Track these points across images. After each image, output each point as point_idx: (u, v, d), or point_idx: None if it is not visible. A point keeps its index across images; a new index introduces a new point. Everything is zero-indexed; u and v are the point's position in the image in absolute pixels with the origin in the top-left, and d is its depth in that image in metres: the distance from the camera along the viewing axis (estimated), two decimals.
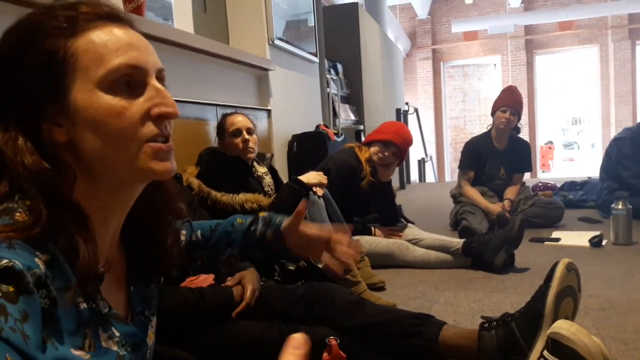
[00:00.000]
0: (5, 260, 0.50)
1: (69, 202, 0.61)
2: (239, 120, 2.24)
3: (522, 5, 11.66)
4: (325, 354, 1.14)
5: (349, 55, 5.65)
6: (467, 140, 3.82)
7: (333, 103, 4.98)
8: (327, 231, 1.04)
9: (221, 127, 2.27)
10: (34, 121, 0.62)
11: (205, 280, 1.60)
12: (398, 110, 7.03)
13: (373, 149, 2.74)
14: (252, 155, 2.29)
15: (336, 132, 4.37)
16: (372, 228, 2.79)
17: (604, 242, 2.88)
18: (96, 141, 0.62)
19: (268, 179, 2.41)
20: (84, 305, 0.61)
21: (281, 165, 3.60)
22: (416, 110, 8.65)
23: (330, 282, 1.71)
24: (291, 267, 1.92)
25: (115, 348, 0.66)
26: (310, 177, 2.26)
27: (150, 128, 0.65)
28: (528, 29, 11.85)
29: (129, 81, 0.64)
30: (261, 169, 2.41)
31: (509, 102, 3.50)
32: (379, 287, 2.27)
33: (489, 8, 12.15)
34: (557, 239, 3.05)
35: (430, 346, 1.36)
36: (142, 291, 0.78)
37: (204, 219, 1.93)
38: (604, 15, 11.02)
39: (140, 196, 0.73)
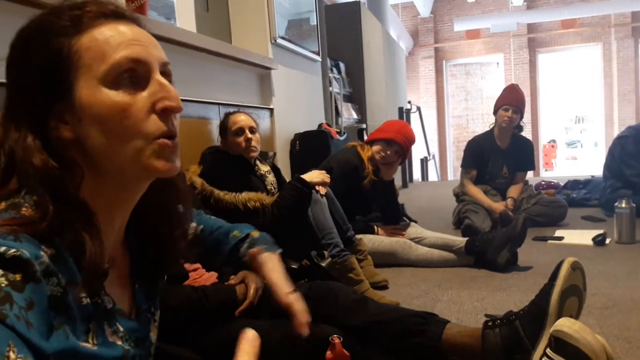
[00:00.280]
0: (12, 250, 0.51)
1: (75, 199, 0.61)
2: (242, 119, 2.24)
3: (525, 3, 11.63)
4: (328, 352, 1.14)
5: (351, 53, 5.65)
6: (470, 138, 3.81)
7: (335, 102, 4.97)
8: (284, 296, 1.13)
9: (224, 126, 2.27)
10: (42, 119, 0.62)
11: (208, 278, 1.60)
12: (400, 109, 7.03)
13: (375, 148, 2.74)
14: (255, 154, 2.29)
15: (338, 130, 4.37)
16: (375, 227, 2.79)
17: (607, 241, 2.87)
18: (101, 137, 0.63)
19: (271, 178, 2.41)
20: (87, 301, 0.62)
21: (284, 164, 3.60)
22: (418, 108, 8.65)
23: (334, 280, 1.71)
24: (294, 266, 1.92)
25: (120, 343, 0.67)
26: (313, 175, 2.26)
27: (157, 124, 0.65)
28: (531, 27, 11.82)
29: (133, 76, 0.64)
30: (264, 168, 2.41)
31: (511, 101, 3.50)
32: (382, 286, 2.27)
33: (492, 6, 12.12)
34: (560, 238, 3.04)
35: (433, 345, 1.35)
36: (146, 289, 0.78)
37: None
38: (607, 13, 10.99)
39: (148, 193, 0.73)
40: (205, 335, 1.37)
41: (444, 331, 1.37)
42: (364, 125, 5.54)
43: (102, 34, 0.63)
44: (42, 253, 0.55)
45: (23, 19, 0.65)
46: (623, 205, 2.85)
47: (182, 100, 0.68)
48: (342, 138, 4.07)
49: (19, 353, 0.47)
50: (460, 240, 2.61)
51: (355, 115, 5.64)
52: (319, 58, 4.42)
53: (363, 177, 2.67)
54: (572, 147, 13.25)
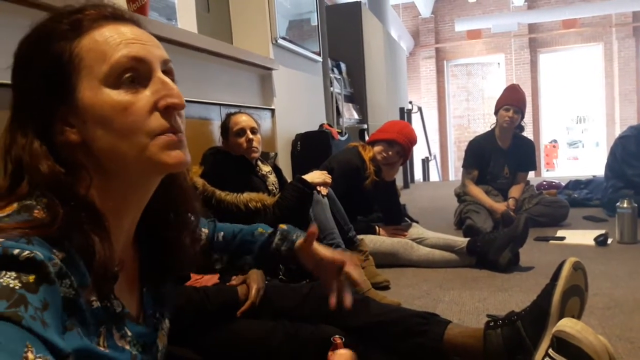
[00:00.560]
0: (26, 252, 0.51)
1: (84, 202, 0.62)
2: (243, 120, 2.24)
3: (526, 3, 11.63)
4: (330, 353, 1.14)
5: (352, 54, 5.65)
6: (471, 139, 3.81)
7: (336, 102, 4.98)
8: (340, 258, 1.05)
9: (225, 127, 2.27)
10: (47, 124, 0.63)
11: (210, 279, 1.60)
12: (402, 109, 7.03)
13: (377, 148, 2.74)
14: (256, 155, 2.29)
15: (340, 131, 4.37)
16: (376, 227, 2.79)
17: (609, 241, 2.87)
18: (106, 137, 0.63)
19: (272, 178, 2.41)
20: (97, 304, 0.62)
21: (285, 164, 3.60)
22: (420, 109, 8.64)
23: None
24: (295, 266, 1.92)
25: (127, 347, 0.67)
26: (314, 176, 2.26)
27: (159, 121, 0.65)
28: (532, 27, 11.82)
29: (134, 75, 0.64)
30: (265, 168, 2.41)
31: (512, 101, 3.50)
32: (383, 286, 2.27)
33: (493, 6, 12.12)
34: (562, 238, 3.04)
35: (435, 345, 1.35)
36: (154, 293, 0.78)
37: (208, 217, 1.94)
38: (608, 13, 10.98)
39: (154, 195, 0.73)
40: (207, 336, 1.37)
41: (446, 331, 1.37)
42: (365, 126, 5.55)
43: (102, 35, 0.64)
44: (54, 256, 0.55)
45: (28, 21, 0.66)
46: (625, 205, 2.84)
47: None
48: (343, 138, 4.07)
49: (37, 353, 0.47)
50: (461, 241, 2.61)
51: (356, 116, 5.64)
52: (320, 58, 4.42)
53: (364, 177, 2.67)
54: (573, 147, 13.24)
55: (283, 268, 1.95)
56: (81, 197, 0.62)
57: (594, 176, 4.72)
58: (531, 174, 3.93)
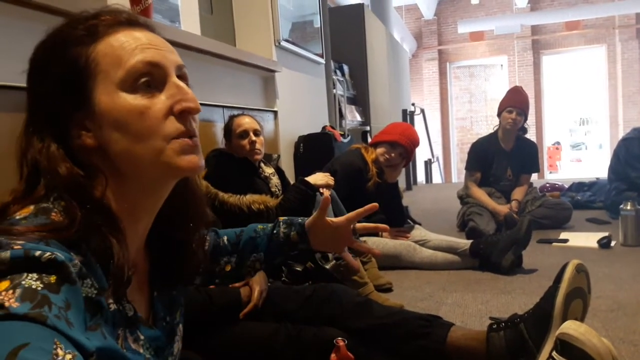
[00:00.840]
0: (48, 253, 0.52)
1: (101, 205, 0.63)
2: (246, 122, 2.25)
3: (529, 5, 11.62)
4: (333, 355, 1.14)
5: (355, 56, 5.65)
6: (474, 141, 3.81)
7: (339, 104, 4.98)
8: (352, 214, 1.06)
9: (228, 129, 2.27)
10: (64, 128, 0.64)
11: None
12: (404, 111, 7.03)
13: (379, 150, 2.74)
14: (259, 157, 2.29)
15: (342, 133, 4.37)
16: None
17: (612, 243, 2.86)
18: (122, 141, 0.64)
19: (275, 180, 2.41)
20: (114, 306, 0.63)
21: (288, 166, 3.60)
22: (422, 111, 8.64)
23: (338, 283, 1.71)
24: (298, 268, 1.93)
25: (141, 351, 0.67)
26: (317, 178, 2.26)
27: (175, 125, 0.66)
28: (535, 29, 11.81)
29: (149, 80, 0.65)
30: (268, 170, 2.41)
31: (515, 103, 3.49)
32: (386, 289, 2.27)
33: (496, 8, 12.11)
34: (565, 240, 3.03)
35: (438, 347, 1.35)
36: (164, 297, 0.79)
37: (212, 220, 1.94)
38: (611, 14, 10.96)
39: (167, 201, 0.73)
40: (210, 337, 1.38)
41: (449, 334, 1.37)
42: (368, 128, 5.54)
43: (118, 40, 0.65)
44: (73, 257, 0.55)
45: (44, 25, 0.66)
46: (628, 207, 2.83)
47: None
48: (346, 140, 4.07)
49: (67, 349, 0.48)
50: (464, 243, 2.60)
51: (359, 118, 5.64)
52: (322, 60, 4.42)
53: (367, 179, 2.67)
54: (576, 149, 13.23)
55: (286, 270, 1.95)
56: (98, 200, 0.63)
57: (597, 178, 4.71)
58: (534, 176, 3.92)
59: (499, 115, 3.59)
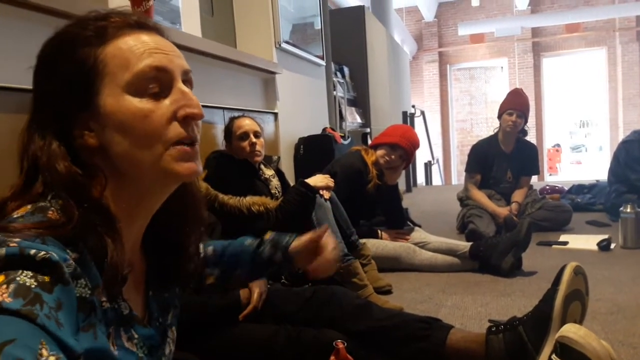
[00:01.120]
0: (42, 252, 0.52)
1: (98, 204, 0.63)
2: (246, 124, 2.25)
3: (529, 7, 11.63)
4: (332, 357, 1.14)
5: (356, 58, 5.65)
6: (474, 143, 3.81)
7: (339, 106, 4.98)
8: (318, 233, 1.06)
9: (228, 131, 2.28)
10: (67, 127, 0.65)
11: None
12: (405, 113, 7.03)
13: (380, 152, 2.74)
14: (259, 158, 2.30)
15: (343, 135, 4.37)
16: (379, 231, 2.79)
17: (612, 246, 2.86)
18: (124, 143, 0.64)
19: (275, 182, 2.41)
20: (107, 305, 0.63)
21: (288, 168, 3.60)
22: (423, 113, 8.64)
23: (338, 285, 1.71)
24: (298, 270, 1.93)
25: (134, 349, 0.68)
26: (317, 180, 2.26)
27: (177, 130, 0.66)
28: (535, 32, 11.82)
29: (156, 85, 0.66)
30: (268, 172, 2.42)
31: (516, 105, 3.50)
32: (385, 291, 2.27)
33: (496, 10, 12.12)
34: (565, 243, 3.03)
35: (437, 350, 1.36)
36: (159, 298, 0.79)
37: (211, 221, 1.94)
38: (612, 17, 10.97)
39: (166, 203, 0.74)
40: (209, 339, 1.38)
41: (448, 336, 1.37)
42: (368, 130, 5.54)
43: (126, 43, 0.65)
44: (68, 256, 0.56)
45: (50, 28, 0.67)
46: (628, 210, 2.84)
47: None
48: (346, 142, 4.08)
49: (51, 350, 0.48)
50: (464, 245, 2.61)
51: (359, 120, 5.64)
52: (323, 62, 4.43)
53: (367, 181, 2.67)
54: (576, 152, 13.24)
55: (286, 272, 1.95)
56: (96, 199, 0.63)
57: (597, 181, 4.71)
58: (534, 179, 3.92)
59: (499, 117, 3.59)
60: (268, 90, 3.44)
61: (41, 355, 0.47)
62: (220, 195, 2.10)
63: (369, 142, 3.99)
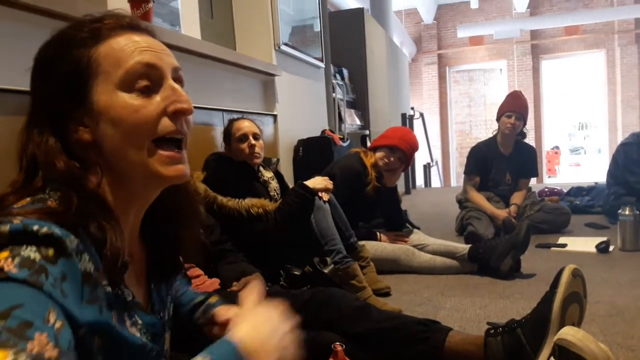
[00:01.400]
0: (45, 228, 0.56)
1: (96, 195, 0.67)
2: (246, 126, 2.25)
3: (528, 10, 11.65)
4: None
5: (355, 60, 5.66)
6: (473, 145, 3.81)
7: (339, 108, 4.98)
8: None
9: (228, 133, 2.28)
10: (63, 124, 0.68)
11: (211, 285, 1.60)
12: (404, 115, 7.04)
13: (379, 154, 2.75)
14: (259, 161, 2.30)
15: (342, 137, 4.38)
16: (378, 233, 2.79)
17: (611, 248, 2.86)
18: (116, 137, 0.68)
19: (274, 184, 2.41)
20: (109, 289, 0.65)
21: (287, 170, 3.60)
22: (422, 115, 8.65)
23: (336, 287, 1.71)
24: (297, 272, 1.93)
25: (138, 335, 0.70)
26: (316, 182, 2.26)
27: (167, 124, 0.70)
28: (534, 34, 11.83)
29: (147, 81, 0.69)
30: (267, 174, 2.42)
31: (514, 107, 3.50)
32: (384, 293, 2.27)
33: (495, 13, 12.14)
34: (564, 245, 3.04)
35: (436, 352, 1.36)
36: (159, 291, 0.82)
37: (210, 223, 1.94)
38: (610, 19, 10.99)
39: (162, 198, 0.77)
40: (208, 341, 1.37)
41: (447, 339, 1.37)
42: (367, 132, 5.55)
43: (118, 43, 0.69)
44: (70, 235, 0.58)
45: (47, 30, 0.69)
46: (627, 212, 2.84)
47: None
48: (345, 144, 4.08)
49: (58, 317, 0.51)
50: (463, 247, 2.61)
51: (358, 122, 5.64)
52: (322, 64, 4.43)
53: (366, 183, 2.67)
54: (575, 154, 13.24)
55: (284, 274, 1.95)
56: (93, 190, 0.66)
57: (596, 183, 4.71)
58: (533, 181, 3.92)
59: (498, 119, 3.60)
60: (267, 93, 3.44)
61: (48, 321, 0.50)
62: (219, 197, 2.10)
63: (368, 144, 3.99)
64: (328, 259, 1.94)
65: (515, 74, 12.00)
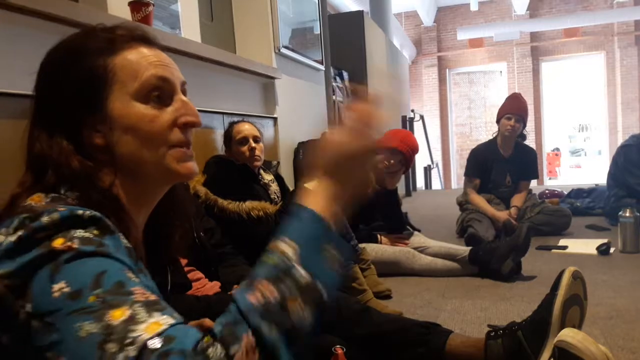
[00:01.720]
0: (88, 211, 0.61)
1: (111, 194, 0.70)
2: (246, 129, 2.26)
3: (528, 12, 11.66)
4: None
5: (355, 63, 5.67)
6: (473, 147, 3.81)
7: (339, 110, 4.99)
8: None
9: (228, 135, 2.28)
10: (76, 128, 0.71)
11: (211, 288, 1.60)
12: (404, 118, 7.04)
13: (379, 157, 2.74)
14: (259, 163, 2.30)
15: None
16: (378, 236, 2.79)
17: (611, 250, 2.86)
18: (131, 143, 0.71)
19: (274, 187, 2.42)
20: None
21: (287, 172, 3.61)
22: (422, 117, 8.66)
23: (337, 290, 1.71)
24: None
25: None
26: None
27: (177, 134, 0.74)
28: (534, 36, 11.84)
29: (159, 93, 0.73)
30: (267, 177, 2.42)
31: (514, 110, 3.51)
32: (385, 296, 2.27)
33: (495, 15, 12.16)
34: (564, 247, 3.04)
35: (436, 355, 1.36)
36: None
37: (210, 226, 1.94)
38: (610, 22, 11.00)
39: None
40: None
41: (447, 341, 1.37)
42: None
43: (134, 56, 0.73)
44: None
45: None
46: (627, 214, 2.84)
47: None
48: None
49: (135, 275, 0.58)
50: (463, 250, 2.61)
51: None
52: (322, 67, 4.44)
53: None
54: (576, 156, 13.23)
55: None
56: (108, 190, 0.70)
57: (596, 185, 4.71)
58: (533, 183, 3.93)
59: (497, 122, 3.60)
60: (267, 95, 3.44)
61: (130, 278, 0.57)
62: (220, 200, 2.10)
63: None
64: None
65: (515, 76, 12.01)
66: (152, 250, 0.83)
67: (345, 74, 5.60)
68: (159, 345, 0.50)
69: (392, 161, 2.73)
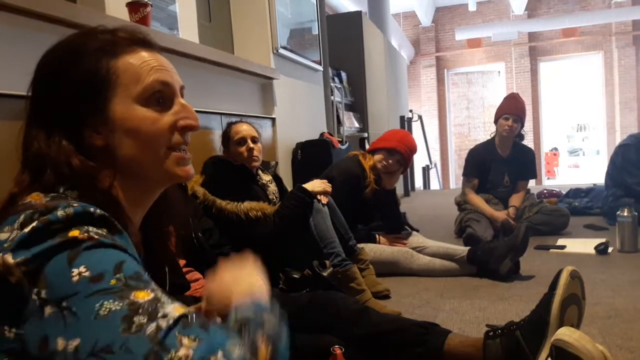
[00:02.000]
0: (99, 210, 0.62)
1: (110, 195, 0.71)
2: (244, 129, 2.26)
3: (526, 12, 11.68)
4: None
5: (353, 63, 5.68)
6: (471, 147, 3.82)
7: (337, 111, 4.99)
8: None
9: (226, 136, 2.28)
10: (76, 128, 0.71)
11: None
12: (402, 118, 7.05)
13: (377, 157, 2.75)
14: (257, 164, 2.30)
15: (340, 140, 4.38)
16: (377, 236, 2.79)
17: (609, 250, 2.86)
18: (132, 145, 0.73)
19: (273, 187, 2.42)
20: None
21: (285, 173, 3.61)
22: (420, 117, 8.66)
23: (335, 290, 1.71)
24: (296, 275, 1.93)
25: None
26: (315, 185, 2.27)
27: (176, 137, 0.76)
28: (532, 36, 11.86)
29: (160, 97, 0.75)
30: (266, 177, 2.42)
31: (512, 110, 3.51)
32: (383, 296, 2.27)
33: (493, 15, 12.17)
34: (563, 247, 3.04)
35: (435, 355, 1.36)
36: None
37: (209, 226, 1.94)
38: (608, 22, 11.02)
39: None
40: None
41: (446, 341, 1.37)
42: (366, 134, 5.56)
43: (136, 59, 0.74)
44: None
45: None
46: (625, 213, 2.84)
47: None
48: (343, 147, 4.08)
49: (145, 272, 0.60)
50: (462, 250, 2.61)
51: (356, 124, 5.65)
52: (320, 67, 4.44)
53: (365, 186, 2.67)
54: (574, 155, 13.26)
55: (283, 277, 1.95)
56: (107, 190, 0.71)
57: (594, 184, 4.72)
58: (532, 182, 3.93)
59: (495, 122, 3.60)
60: (266, 96, 3.45)
61: (145, 272, 0.59)
62: (218, 201, 2.10)
63: (367, 147, 4.00)
64: (327, 262, 1.94)
65: (514, 76, 12.02)
66: (148, 250, 0.84)
67: (343, 75, 5.60)
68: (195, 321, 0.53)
69: (390, 161, 2.73)
